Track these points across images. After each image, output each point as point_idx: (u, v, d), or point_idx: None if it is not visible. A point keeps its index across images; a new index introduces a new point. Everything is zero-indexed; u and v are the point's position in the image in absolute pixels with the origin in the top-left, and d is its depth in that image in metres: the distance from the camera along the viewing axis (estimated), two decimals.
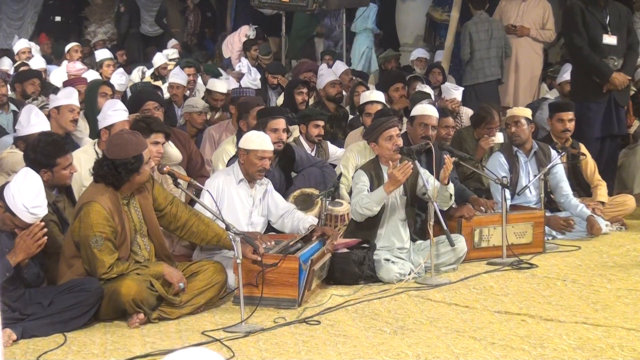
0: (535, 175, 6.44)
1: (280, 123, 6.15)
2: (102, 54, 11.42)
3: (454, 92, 8.25)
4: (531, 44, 9.32)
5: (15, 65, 10.66)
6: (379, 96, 7.51)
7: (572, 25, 7.61)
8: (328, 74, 8.72)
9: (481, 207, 6.07)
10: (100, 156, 5.05)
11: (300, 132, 7.00)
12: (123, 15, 15.22)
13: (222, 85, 8.73)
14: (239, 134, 6.82)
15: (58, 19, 15.50)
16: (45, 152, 4.88)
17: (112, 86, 7.99)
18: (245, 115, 6.87)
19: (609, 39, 7.52)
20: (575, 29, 7.56)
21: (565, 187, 6.69)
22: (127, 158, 4.61)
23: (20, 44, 11.99)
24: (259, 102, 7.03)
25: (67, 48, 12.10)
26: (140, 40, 15.83)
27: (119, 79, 9.57)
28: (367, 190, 5.48)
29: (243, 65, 11.23)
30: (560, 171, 6.68)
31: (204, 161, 6.90)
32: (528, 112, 6.77)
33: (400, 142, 5.56)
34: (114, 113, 5.82)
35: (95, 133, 6.44)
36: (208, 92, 8.63)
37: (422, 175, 5.52)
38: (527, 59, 9.32)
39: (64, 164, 4.94)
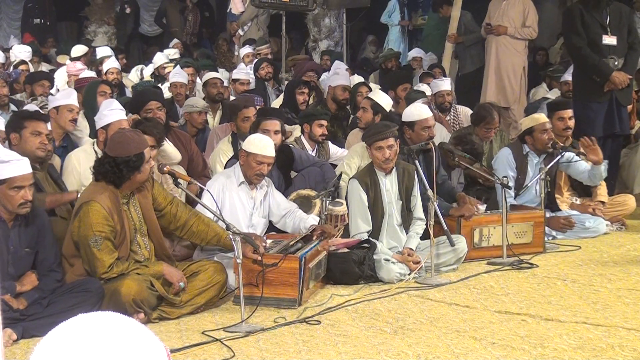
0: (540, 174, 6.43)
1: (272, 125, 6.08)
2: (102, 51, 11.48)
3: (441, 83, 8.50)
4: (511, 42, 9.37)
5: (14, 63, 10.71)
6: (381, 97, 7.52)
7: (571, 27, 7.60)
8: (344, 76, 8.66)
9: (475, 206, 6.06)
10: (99, 155, 5.06)
11: (303, 131, 6.99)
12: (129, 16, 15.22)
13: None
14: (234, 135, 6.84)
15: (37, 21, 15.51)
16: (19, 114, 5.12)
17: (110, 85, 8.01)
18: (234, 117, 6.89)
19: (609, 40, 7.51)
20: (574, 30, 7.56)
21: (585, 167, 6.70)
22: (128, 156, 4.61)
23: (19, 52, 11.96)
24: (246, 104, 6.99)
25: (80, 52, 11.98)
26: (140, 40, 15.85)
27: (113, 62, 9.90)
28: (366, 203, 5.53)
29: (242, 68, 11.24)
30: (576, 163, 6.69)
31: (206, 162, 6.88)
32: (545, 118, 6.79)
33: (388, 154, 5.51)
34: (109, 113, 5.83)
35: (94, 132, 6.44)
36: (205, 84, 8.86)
37: (420, 178, 5.53)
38: (508, 57, 9.38)
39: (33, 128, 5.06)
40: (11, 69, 10.88)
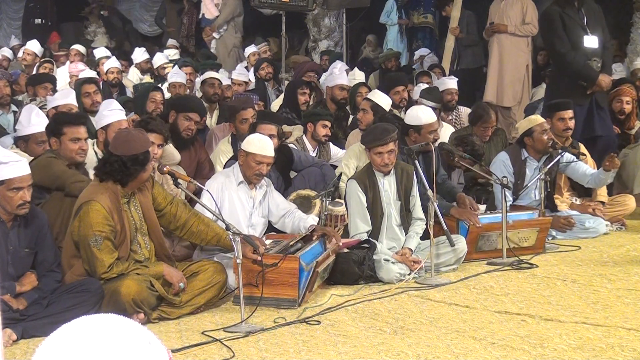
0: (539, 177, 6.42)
1: (268, 129, 6.06)
2: (100, 52, 11.51)
3: (449, 81, 8.60)
4: (514, 41, 9.39)
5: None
6: (380, 97, 7.53)
7: (552, 31, 7.50)
8: (342, 76, 8.64)
9: (471, 207, 6.05)
10: (99, 156, 5.07)
11: (307, 130, 6.99)
12: (109, 18, 15.27)
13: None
14: (233, 136, 6.85)
15: (38, 21, 15.54)
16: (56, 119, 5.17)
17: (97, 83, 8.01)
18: (233, 118, 6.90)
19: (590, 41, 7.43)
20: (555, 34, 7.45)
21: (588, 170, 6.70)
22: (135, 154, 4.62)
23: (30, 46, 11.98)
24: (245, 106, 6.99)
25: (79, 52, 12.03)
26: (140, 40, 15.84)
27: (114, 62, 9.88)
28: (365, 203, 5.53)
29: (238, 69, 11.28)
30: (577, 164, 6.68)
31: (212, 166, 6.87)
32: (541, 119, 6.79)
33: (387, 159, 5.52)
34: (109, 113, 5.83)
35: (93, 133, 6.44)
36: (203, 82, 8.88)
37: (420, 178, 5.53)
38: (511, 56, 9.40)
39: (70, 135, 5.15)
40: (35, 67, 10.85)
